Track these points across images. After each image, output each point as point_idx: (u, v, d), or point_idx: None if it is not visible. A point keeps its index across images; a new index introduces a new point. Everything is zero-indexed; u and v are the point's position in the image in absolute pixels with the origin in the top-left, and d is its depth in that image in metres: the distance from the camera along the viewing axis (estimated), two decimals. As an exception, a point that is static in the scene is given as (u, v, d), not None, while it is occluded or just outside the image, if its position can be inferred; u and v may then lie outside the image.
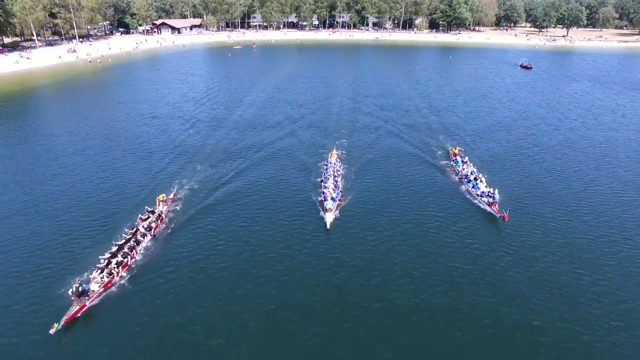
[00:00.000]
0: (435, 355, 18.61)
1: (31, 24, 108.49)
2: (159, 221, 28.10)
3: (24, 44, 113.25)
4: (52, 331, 18.63)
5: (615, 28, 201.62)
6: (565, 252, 25.61)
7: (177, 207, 30.54)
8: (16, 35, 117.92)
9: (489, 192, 31.22)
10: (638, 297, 22.10)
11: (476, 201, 31.65)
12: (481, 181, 33.30)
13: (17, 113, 56.55)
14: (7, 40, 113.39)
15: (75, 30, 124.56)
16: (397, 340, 19.16)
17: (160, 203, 29.94)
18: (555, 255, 25.25)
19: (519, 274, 23.57)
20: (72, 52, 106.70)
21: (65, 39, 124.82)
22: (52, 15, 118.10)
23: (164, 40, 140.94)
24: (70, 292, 20.28)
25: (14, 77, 79.27)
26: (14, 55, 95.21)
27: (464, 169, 36.05)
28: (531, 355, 18.55)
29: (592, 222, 29.31)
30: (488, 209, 30.15)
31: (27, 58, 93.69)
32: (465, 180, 34.26)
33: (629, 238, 27.34)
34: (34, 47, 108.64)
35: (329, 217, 28.27)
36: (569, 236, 27.47)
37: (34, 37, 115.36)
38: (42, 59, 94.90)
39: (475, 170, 35.50)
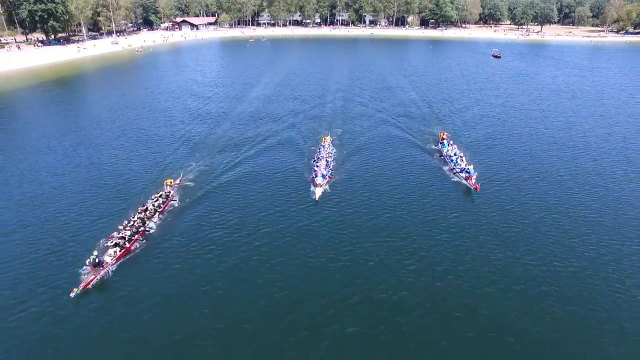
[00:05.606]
0: (421, 320, 20.47)
1: (82, 21, 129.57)
2: (166, 202, 30.35)
3: (73, 37, 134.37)
4: (72, 294, 21.14)
5: (592, 26, 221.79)
6: (526, 217, 30.02)
7: (184, 189, 33.32)
8: (63, 31, 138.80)
9: (466, 168, 35.39)
10: (592, 259, 25.25)
11: (455, 177, 35.73)
12: (461, 159, 37.33)
13: (82, 87, 77.76)
14: (58, 35, 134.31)
15: (113, 27, 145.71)
16: (378, 305, 21.44)
17: (168, 187, 32.11)
18: (516, 221, 29.45)
19: (486, 235, 27.64)
20: (115, 44, 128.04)
21: (103, 33, 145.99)
22: (95, 13, 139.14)
23: (187, 35, 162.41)
24: (87, 262, 22.98)
25: (82, 61, 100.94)
26: (72, 46, 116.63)
27: (448, 150, 40.03)
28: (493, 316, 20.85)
29: (546, 180, 36.24)
30: (464, 182, 34.50)
31: (84, 48, 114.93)
32: (449, 159, 38.28)
33: (579, 212, 31.15)
34: (82, 40, 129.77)
35: (318, 191, 31.84)
36: (530, 202, 32.15)
37: (81, 33, 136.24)
38: (95, 49, 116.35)
39: (458, 151, 39.54)
